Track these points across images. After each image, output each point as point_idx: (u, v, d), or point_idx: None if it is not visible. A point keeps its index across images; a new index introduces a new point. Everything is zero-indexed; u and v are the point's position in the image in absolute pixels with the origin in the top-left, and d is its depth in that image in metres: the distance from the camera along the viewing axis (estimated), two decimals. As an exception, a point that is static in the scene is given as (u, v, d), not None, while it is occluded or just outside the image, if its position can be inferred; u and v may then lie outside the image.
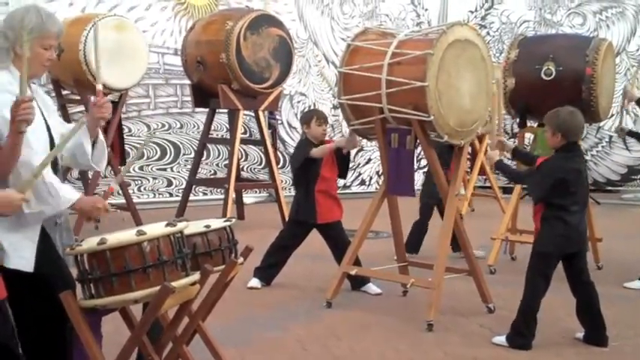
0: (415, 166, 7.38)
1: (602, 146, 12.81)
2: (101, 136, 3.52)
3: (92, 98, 3.41)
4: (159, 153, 10.44)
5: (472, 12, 13.37)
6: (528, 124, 7.44)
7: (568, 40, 7.85)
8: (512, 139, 10.51)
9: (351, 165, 6.85)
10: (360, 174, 12.45)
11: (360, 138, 6.03)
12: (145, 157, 10.33)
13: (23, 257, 3.12)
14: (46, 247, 3.21)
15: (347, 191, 11.35)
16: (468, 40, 5.32)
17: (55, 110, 3.61)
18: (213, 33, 8.49)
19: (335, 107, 11.88)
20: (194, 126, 10.68)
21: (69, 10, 9.17)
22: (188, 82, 9.46)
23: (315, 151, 6.01)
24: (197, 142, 10.00)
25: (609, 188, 12.93)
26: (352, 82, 5.58)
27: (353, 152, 6.37)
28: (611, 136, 12.72)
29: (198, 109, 10.00)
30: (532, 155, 5.54)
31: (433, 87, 5.13)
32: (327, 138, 6.32)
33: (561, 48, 6.99)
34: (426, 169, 8.78)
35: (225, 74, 8.37)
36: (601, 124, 12.00)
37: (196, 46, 8.66)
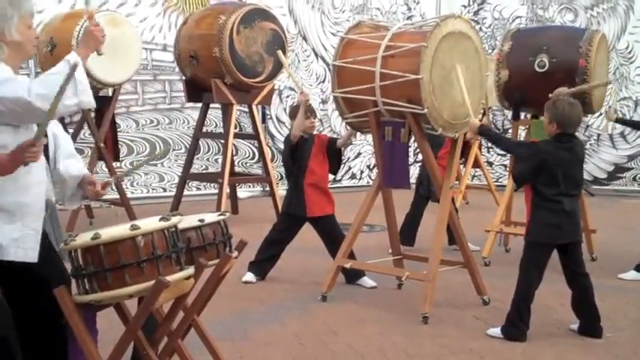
0: (412, 160, 7.36)
1: (590, 144, 12.80)
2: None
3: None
4: (148, 149, 10.41)
5: (465, 7, 13.38)
6: (522, 116, 7.43)
7: (561, 32, 7.84)
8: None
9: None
10: (350, 168, 12.44)
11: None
12: (135, 153, 10.31)
13: (27, 248, 3.08)
14: (42, 241, 3.17)
15: (338, 185, 11.35)
16: (462, 33, 5.31)
17: None
18: (206, 27, 8.45)
19: (324, 102, 11.89)
20: (184, 121, 10.65)
21: (58, 7, 9.13)
22: (177, 77, 9.36)
23: (293, 131, 5.98)
24: (187, 137, 9.95)
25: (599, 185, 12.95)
26: (346, 76, 5.58)
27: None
28: (599, 134, 12.74)
29: (187, 105, 9.97)
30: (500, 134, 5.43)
31: (427, 80, 5.12)
32: (315, 132, 6.32)
33: (555, 40, 6.98)
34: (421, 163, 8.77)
35: (219, 68, 8.34)
36: (589, 122, 12.10)
37: (189, 40, 8.62)
